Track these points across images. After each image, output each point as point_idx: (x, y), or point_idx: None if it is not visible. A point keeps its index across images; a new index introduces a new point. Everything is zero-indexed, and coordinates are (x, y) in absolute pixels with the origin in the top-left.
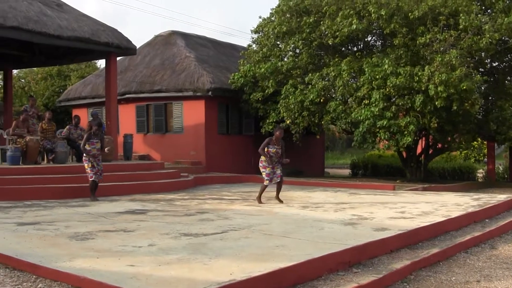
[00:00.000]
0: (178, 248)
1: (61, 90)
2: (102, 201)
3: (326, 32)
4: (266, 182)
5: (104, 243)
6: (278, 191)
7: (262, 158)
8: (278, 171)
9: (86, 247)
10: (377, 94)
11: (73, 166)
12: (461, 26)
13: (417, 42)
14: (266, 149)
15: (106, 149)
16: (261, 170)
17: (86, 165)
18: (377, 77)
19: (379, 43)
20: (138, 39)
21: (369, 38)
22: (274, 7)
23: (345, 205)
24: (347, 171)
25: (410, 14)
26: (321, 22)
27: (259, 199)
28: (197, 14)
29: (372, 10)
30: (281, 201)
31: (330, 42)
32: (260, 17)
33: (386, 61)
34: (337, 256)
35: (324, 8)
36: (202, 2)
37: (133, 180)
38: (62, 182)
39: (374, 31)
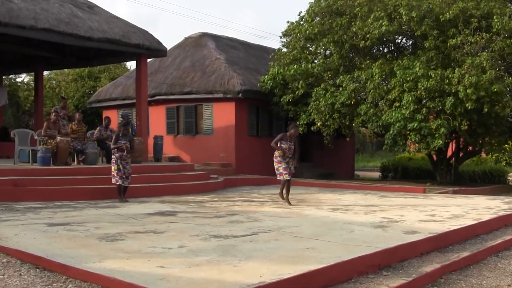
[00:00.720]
0: (208, 250)
1: (92, 92)
2: (132, 202)
3: (357, 34)
4: (285, 177)
5: (134, 244)
6: (288, 191)
7: (276, 153)
8: (292, 167)
9: (116, 248)
10: (408, 97)
11: (103, 167)
12: (494, 29)
13: (448, 44)
14: (278, 144)
15: (133, 147)
16: (276, 166)
17: (113, 167)
18: (408, 79)
19: (410, 45)
20: (170, 41)
21: (400, 40)
22: (303, 10)
23: (375, 207)
24: (377, 174)
25: (441, 16)
26: (352, 24)
27: (281, 195)
28: (230, 17)
29: (403, 13)
30: (290, 203)
31: (361, 44)
32: (288, 22)
33: (417, 64)
34: (367, 259)
35: (356, 9)
36: (236, 5)
37: (163, 181)
38: (92, 183)
39: (405, 33)
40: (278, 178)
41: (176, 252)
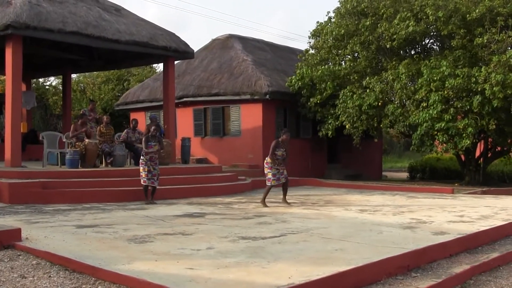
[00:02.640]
0: (237, 252)
1: (120, 94)
2: (160, 204)
3: (384, 35)
4: (272, 182)
5: (163, 246)
6: (285, 193)
7: (268, 160)
8: (285, 172)
9: (144, 250)
10: (435, 96)
11: (131, 169)
12: None
13: (475, 43)
14: (275, 153)
15: (161, 151)
16: (266, 171)
17: (141, 168)
18: (435, 78)
19: (437, 45)
20: (199, 43)
21: (427, 41)
22: (332, 10)
23: (404, 208)
24: (404, 175)
25: (467, 15)
26: (378, 25)
27: (263, 202)
28: (260, 19)
29: (430, 12)
30: (288, 203)
31: (387, 45)
32: (317, 22)
33: (444, 63)
34: (396, 260)
35: (381, 11)
36: (265, 7)
37: (190, 183)
38: (120, 185)
39: (432, 33)
40: (267, 184)
41: (205, 254)
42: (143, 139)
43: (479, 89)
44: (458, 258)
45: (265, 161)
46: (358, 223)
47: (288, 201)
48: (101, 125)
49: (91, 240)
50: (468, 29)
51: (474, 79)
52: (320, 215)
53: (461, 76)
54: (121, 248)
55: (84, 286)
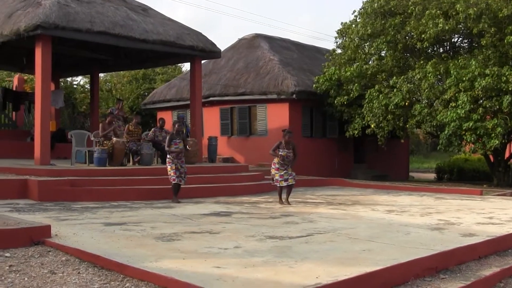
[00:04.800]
0: (264, 251)
1: (147, 93)
2: (187, 203)
3: (412, 34)
4: (281, 183)
5: (190, 245)
6: (289, 193)
7: (275, 160)
8: (293, 173)
9: (172, 248)
10: (464, 97)
11: (158, 168)
12: None
13: (506, 42)
14: (276, 151)
15: (188, 146)
16: (273, 172)
17: (169, 167)
18: (464, 79)
19: (466, 44)
20: (227, 43)
21: (456, 39)
22: (357, 10)
23: (431, 209)
24: (431, 175)
25: (499, 12)
26: (407, 23)
27: (280, 201)
28: (288, 19)
29: (460, 9)
30: (289, 204)
31: (416, 45)
32: (342, 23)
33: (473, 62)
34: (424, 262)
35: (410, 9)
36: (294, 7)
37: (217, 182)
38: (148, 184)
39: (461, 31)
40: (274, 184)
41: (232, 253)
42: (168, 137)
43: (509, 89)
44: (487, 261)
45: (272, 162)
46: (385, 224)
47: (290, 201)
48: (131, 124)
49: (119, 237)
50: (499, 28)
51: (504, 78)
52: (347, 215)
53: (491, 75)
54: (149, 246)
55: (112, 283)
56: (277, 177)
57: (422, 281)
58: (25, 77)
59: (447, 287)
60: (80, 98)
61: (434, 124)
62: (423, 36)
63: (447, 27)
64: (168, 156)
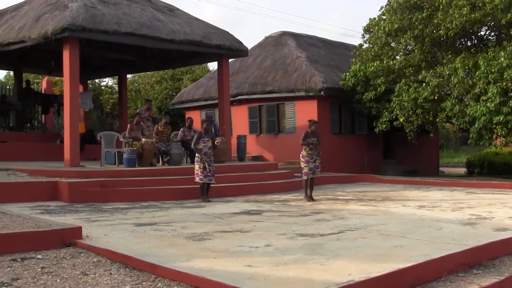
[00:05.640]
0: (295, 249)
1: (174, 93)
2: (217, 202)
3: (439, 26)
4: (309, 176)
5: (221, 244)
6: (312, 188)
7: (303, 153)
8: (319, 164)
9: (203, 247)
10: (494, 89)
11: (187, 168)
12: None
13: None
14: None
15: (216, 141)
16: (303, 165)
17: (197, 166)
18: (493, 70)
19: (494, 37)
20: (253, 41)
21: (484, 32)
22: (384, 5)
23: (463, 204)
24: (461, 170)
25: None
26: (434, 16)
27: (306, 196)
28: (317, 17)
29: (487, 0)
30: (313, 199)
31: (443, 36)
32: (369, 18)
33: (502, 54)
34: (457, 257)
35: (437, 1)
36: (323, 4)
37: (247, 181)
38: (177, 184)
39: (489, 23)
40: (303, 178)
41: (263, 251)
42: (196, 135)
43: None
44: None
45: (300, 154)
46: (416, 219)
47: (320, 198)
48: (159, 124)
49: (150, 238)
50: None
51: None
52: (377, 211)
53: None
54: (180, 246)
55: (144, 283)
56: (306, 170)
57: (455, 277)
58: (54, 80)
59: (481, 283)
60: (105, 99)
61: (466, 120)
62: (449, 25)
63: (473, 17)
64: (196, 155)
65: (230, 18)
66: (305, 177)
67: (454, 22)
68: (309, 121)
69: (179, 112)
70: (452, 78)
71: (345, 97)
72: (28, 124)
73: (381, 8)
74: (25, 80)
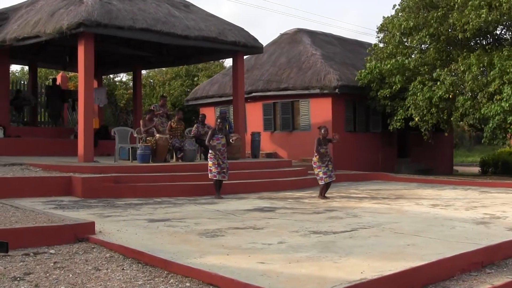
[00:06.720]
0: (308, 246)
1: (189, 90)
2: (230, 198)
3: (455, 26)
4: (325, 180)
5: (234, 240)
6: (326, 190)
7: (314, 159)
8: (332, 168)
9: (216, 244)
10: (508, 89)
11: (201, 164)
12: None
13: None
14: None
15: (232, 139)
16: (316, 171)
17: (210, 162)
18: (508, 70)
19: (510, 36)
20: (268, 38)
21: (500, 31)
22: (398, 3)
23: (476, 203)
24: (475, 169)
25: None
26: (450, 15)
27: (320, 195)
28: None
29: (504, 0)
30: (327, 198)
31: (459, 36)
32: (383, 17)
33: None
34: (470, 256)
35: (453, 1)
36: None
37: (260, 178)
38: (191, 180)
39: (505, 23)
40: (319, 183)
41: (276, 248)
42: (209, 132)
43: None
44: None
45: (312, 161)
46: (430, 218)
47: (334, 196)
48: (172, 120)
49: (163, 234)
50: None
51: None
52: (391, 209)
53: None
54: (193, 242)
55: (156, 279)
56: (321, 174)
57: (468, 276)
58: (68, 75)
59: (494, 282)
60: (119, 94)
61: (477, 117)
62: (465, 27)
63: (490, 18)
64: (210, 151)
65: (247, 16)
66: (322, 182)
67: (471, 23)
68: (319, 128)
69: (194, 109)
70: (466, 75)
71: (359, 94)
72: (61, 120)
73: (394, 6)
74: (51, 77)
